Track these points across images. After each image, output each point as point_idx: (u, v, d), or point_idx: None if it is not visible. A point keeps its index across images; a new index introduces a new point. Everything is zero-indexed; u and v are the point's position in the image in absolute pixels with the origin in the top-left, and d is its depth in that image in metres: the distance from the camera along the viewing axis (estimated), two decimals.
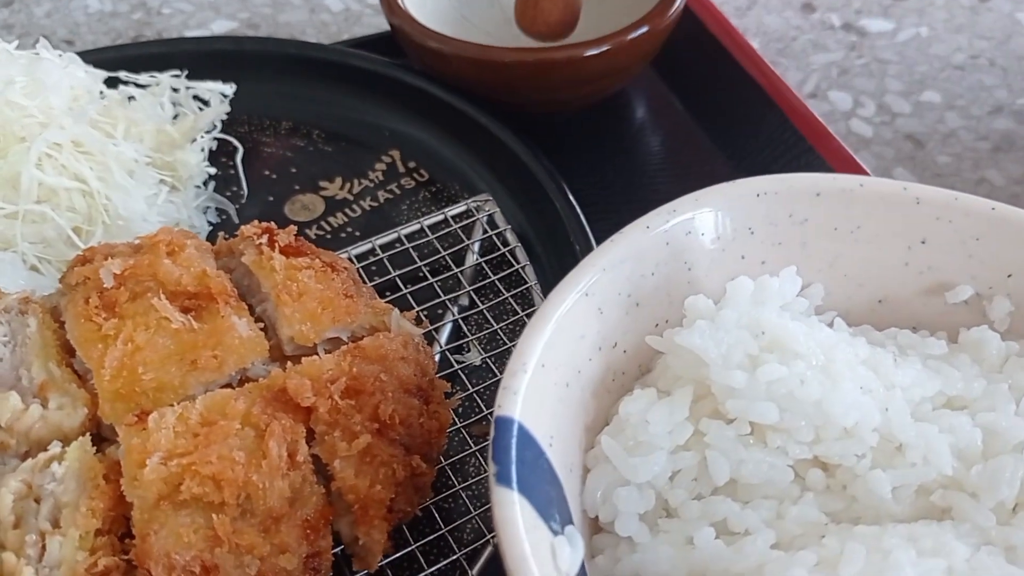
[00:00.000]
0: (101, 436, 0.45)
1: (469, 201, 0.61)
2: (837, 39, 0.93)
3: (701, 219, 0.45)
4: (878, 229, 0.45)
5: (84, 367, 0.46)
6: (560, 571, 0.35)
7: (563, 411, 0.40)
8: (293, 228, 0.51)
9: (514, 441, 0.37)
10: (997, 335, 0.43)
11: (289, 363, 0.46)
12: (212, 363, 0.44)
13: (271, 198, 0.66)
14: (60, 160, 0.56)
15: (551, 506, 0.37)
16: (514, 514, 0.35)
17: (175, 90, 0.68)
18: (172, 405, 0.43)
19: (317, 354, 0.46)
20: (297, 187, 0.67)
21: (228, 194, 0.66)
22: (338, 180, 0.67)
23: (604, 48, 0.63)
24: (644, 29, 0.65)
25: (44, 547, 0.39)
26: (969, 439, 0.39)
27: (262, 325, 0.47)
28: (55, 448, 0.43)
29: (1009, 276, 0.43)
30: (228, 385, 0.45)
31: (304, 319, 0.46)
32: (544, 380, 0.39)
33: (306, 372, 0.44)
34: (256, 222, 0.51)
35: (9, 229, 0.54)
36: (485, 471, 0.49)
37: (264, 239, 0.49)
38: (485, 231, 0.60)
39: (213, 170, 0.67)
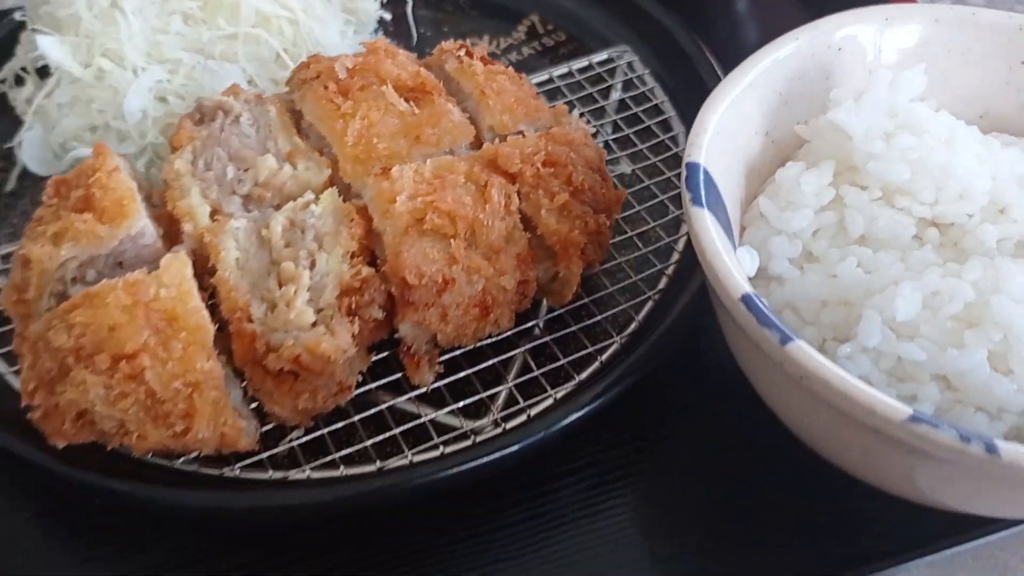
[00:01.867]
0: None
1: (610, 50, 0.71)
2: None
3: (840, 36, 0.54)
4: (985, 52, 0.54)
5: (318, 145, 0.56)
6: (743, 271, 0.44)
7: (729, 173, 0.50)
8: (484, 46, 0.60)
9: (701, 178, 0.47)
10: None
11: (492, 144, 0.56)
12: (432, 138, 0.54)
13: (429, 51, 0.76)
14: None
15: (729, 230, 0.47)
16: (706, 224, 0.44)
17: None
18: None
19: None
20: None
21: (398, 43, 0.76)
22: (486, 37, 0.77)
23: None
24: None
25: (314, 262, 0.49)
26: None
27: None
28: (308, 197, 0.53)
29: None
30: None
31: (503, 111, 0.56)
32: (718, 144, 0.49)
33: (513, 145, 0.53)
34: (453, 40, 0.60)
35: (230, 48, 0.64)
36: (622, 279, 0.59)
37: (462, 52, 0.59)
38: (626, 73, 0.70)
39: (388, 15, 0.76)
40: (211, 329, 0.47)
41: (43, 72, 0.66)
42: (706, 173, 0.47)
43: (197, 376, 0.46)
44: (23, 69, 0.68)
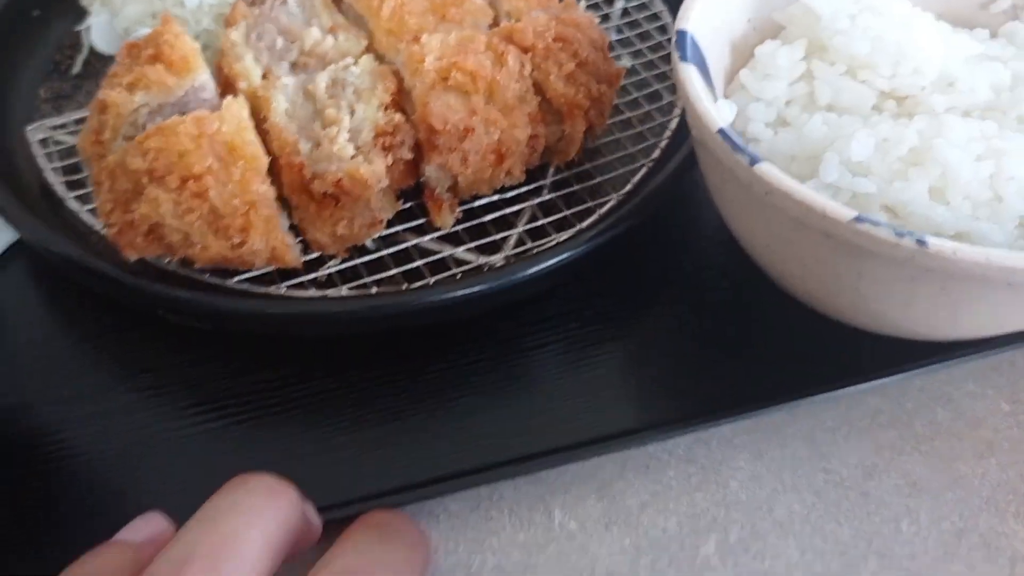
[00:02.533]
0: None
1: None
2: None
3: None
4: None
5: (356, 23, 0.64)
6: (722, 117, 0.52)
7: (714, 47, 0.57)
8: None
9: (688, 42, 0.54)
10: None
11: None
12: (456, 16, 0.62)
13: None
14: None
15: (711, 87, 0.54)
16: (691, 75, 0.52)
17: None
18: None
19: None
20: None
21: None
22: None
23: None
24: None
25: (353, 110, 0.57)
26: (1001, 78, 0.56)
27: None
28: (348, 61, 0.61)
29: None
30: None
31: None
32: (705, 20, 0.56)
33: (527, 23, 0.61)
34: None
35: None
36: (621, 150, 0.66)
37: None
38: None
39: None
40: (265, 160, 0.55)
41: None
42: (693, 39, 0.55)
43: (253, 196, 0.54)
44: None
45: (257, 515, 0.37)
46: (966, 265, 0.44)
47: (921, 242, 0.44)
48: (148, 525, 0.47)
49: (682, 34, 0.54)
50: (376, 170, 0.53)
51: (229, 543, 0.36)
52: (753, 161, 0.48)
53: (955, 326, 0.51)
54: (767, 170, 0.47)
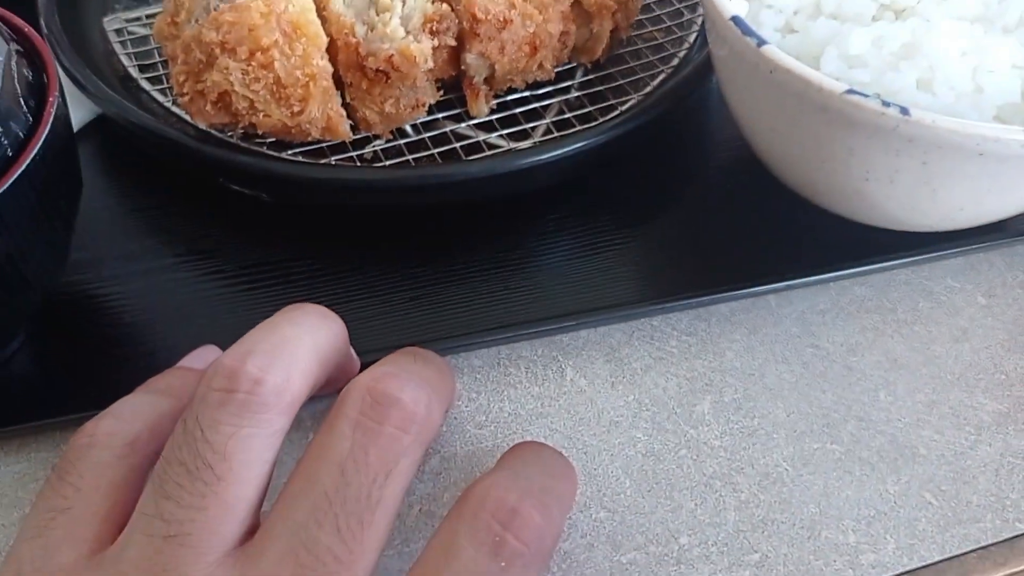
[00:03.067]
0: None
1: None
2: None
3: None
4: None
5: None
6: (736, 6, 0.58)
7: None
8: None
9: None
10: None
11: None
12: None
13: None
14: None
15: None
16: None
17: None
18: None
19: None
20: None
21: None
22: None
23: None
24: None
25: (405, 1, 0.64)
26: None
27: None
28: None
29: None
30: None
31: None
32: None
33: None
34: None
35: None
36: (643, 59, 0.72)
37: None
38: None
39: None
40: (325, 38, 0.61)
41: None
42: None
43: (313, 69, 0.60)
44: None
45: (311, 329, 0.43)
46: (942, 132, 0.50)
47: (904, 111, 0.50)
48: (206, 354, 0.53)
49: None
50: (424, 49, 0.60)
51: (286, 344, 0.42)
52: (760, 43, 0.54)
53: (934, 205, 0.57)
54: (772, 50, 0.54)
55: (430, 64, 0.61)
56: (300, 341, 0.42)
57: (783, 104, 0.56)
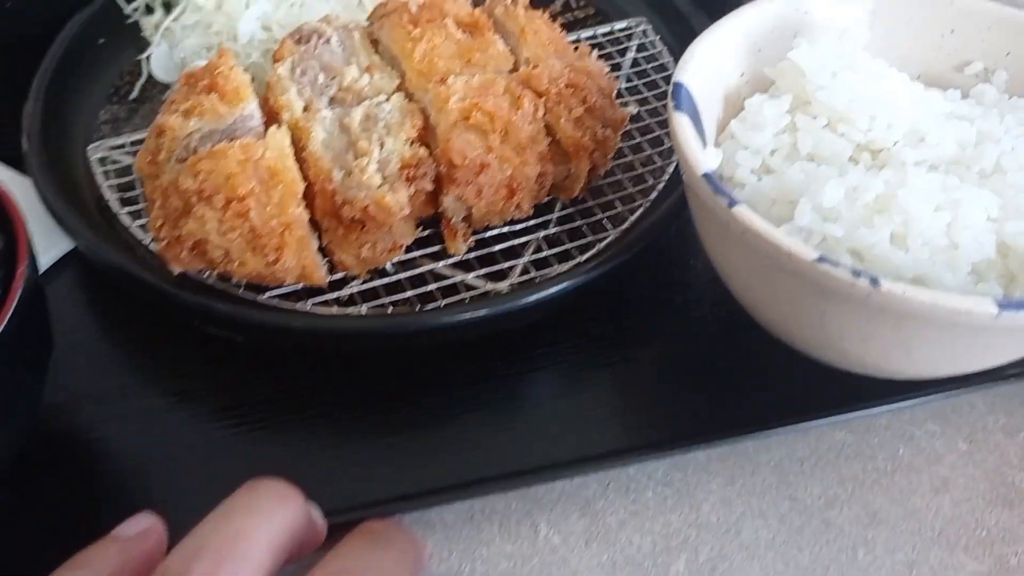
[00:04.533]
0: None
1: (629, 20, 0.86)
2: None
3: (808, 3, 0.67)
4: (922, 21, 0.68)
5: (391, 64, 0.71)
6: (708, 163, 0.58)
7: (708, 99, 0.63)
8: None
9: (683, 94, 0.60)
10: (994, 87, 0.65)
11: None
12: (480, 62, 0.68)
13: None
14: None
15: (702, 136, 0.60)
16: (683, 123, 0.58)
17: None
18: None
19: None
20: None
21: None
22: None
23: None
24: None
25: (383, 143, 0.64)
26: (967, 135, 0.61)
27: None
28: (381, 98, 0.67)
29: (1007, 55, 0.66)
30: None
31: (537, 47, 0.70)
32: (701, 73, 0.62)
33: (543, 70, 0.67)
34: None
35: None
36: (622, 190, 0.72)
37: (509, 1, 0.73)
38: (641, 39, 0.84)
39: None
40: (302, 185, 0.61)
41: (167, 6, 0.82)
42: (687, 90, 0.61)
43: (289, 218, 0.60)
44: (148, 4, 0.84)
45: (265, 517, 0.42)
46: (914, 305, 0.49)
47: (875, 282, 0.50)
48: (140, 523, 0.52)
49: (678, 85, 0.60)
50: (399, 199, 0.60)
51: (237, 540, 0.40)
52: (732, 203, 0.54)
53: (911, 363, 0.56)
54: (743, 212, 0.53)
55: (406, 212, 0.61)
56: (253, 535, 0.41)
57: (755, 262, 0.56)
